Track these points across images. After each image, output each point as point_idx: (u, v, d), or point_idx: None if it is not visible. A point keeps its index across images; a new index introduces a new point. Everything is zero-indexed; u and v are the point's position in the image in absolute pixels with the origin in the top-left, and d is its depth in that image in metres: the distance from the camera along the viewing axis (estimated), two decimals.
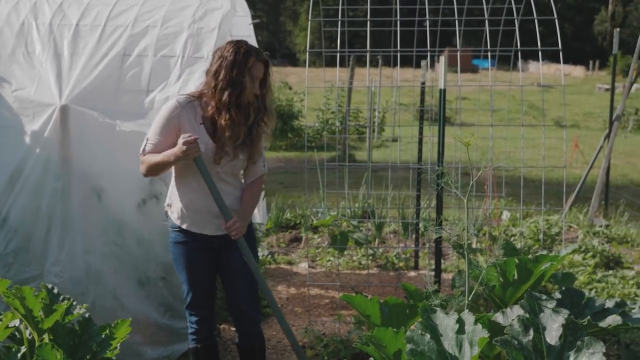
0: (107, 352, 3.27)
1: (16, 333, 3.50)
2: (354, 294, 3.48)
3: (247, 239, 3.71)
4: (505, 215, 8.35)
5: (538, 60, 5.41)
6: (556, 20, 5.07)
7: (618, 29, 9.05)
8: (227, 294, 3.83)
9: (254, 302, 3.84)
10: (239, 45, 3.54)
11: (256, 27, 6.91)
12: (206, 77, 3.61)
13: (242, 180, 3.83)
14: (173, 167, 3.65)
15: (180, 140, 3.40)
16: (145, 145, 3.59)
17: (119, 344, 3.34)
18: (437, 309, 2.88)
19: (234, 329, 4.02)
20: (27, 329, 3.38)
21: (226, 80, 3.48)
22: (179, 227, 3.69)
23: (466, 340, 2.74)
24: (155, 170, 3.61)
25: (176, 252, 3.73)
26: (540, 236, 6.75)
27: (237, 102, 3.51)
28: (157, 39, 4.68)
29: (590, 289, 6.00)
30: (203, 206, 3.62)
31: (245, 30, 6.27)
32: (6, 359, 3.10)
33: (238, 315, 3.83)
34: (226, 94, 3.48)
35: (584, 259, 6.80)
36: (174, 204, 3.71)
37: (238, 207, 3.70)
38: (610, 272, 6.52)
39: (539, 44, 4.97)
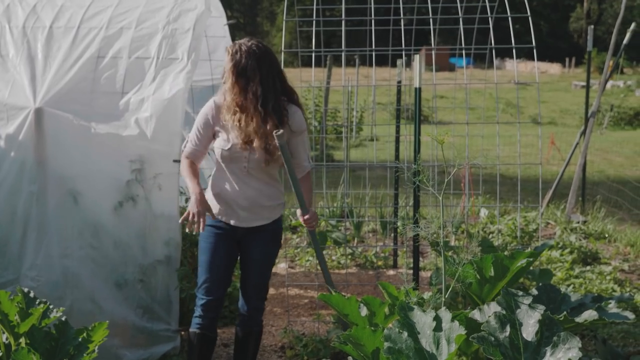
0: (85, 355, 3.25)
1: None
2: (332, 294, 3.48)
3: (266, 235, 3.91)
4: (483, 212, 8.40)
5: (514, 58, 5.43)
6: (529, 18, 5.11)
7: (592, 26, 9.14)
8: (241, 279, 4.01)
9: (262, 292, 4.02)
10: None
11: (233, 27, 6.91)
12: None
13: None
14: (215, 159, 3.85)
15: (194, 202, 3.64)
16: (186, 143, 3.86)
17: (96, 347, 3.32)
18: (415, 307, 2.90)
19: (224, 330, 4.04)
20: (3, 333, 3.36)
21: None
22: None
23: (443, 338, 2.75)
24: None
25: (203, 233, 3.86)
26: (518, 233, 6.80)
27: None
28: (132, 40, 4.66)
29: (568, 285, 6.05)
30: (232, 198, 3.80)
31: (220, 30, 6.26)
32: None
33: (245, 300, 3.99)
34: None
35: (561, 255, 6.85)
36: (208, 190, 3.89)
37: (261, 203, 3.83)
38: (588, 268, 6.58)
39: (512, 41, 5.01)
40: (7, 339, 3.34)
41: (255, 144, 3.67)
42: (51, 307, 3.48)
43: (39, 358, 3.00)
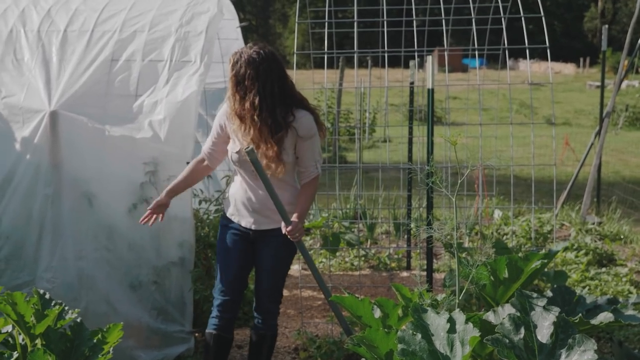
0: (100, 356, 3.27)
1: (9, 339, 3.50)
2: (345, 295, 3.48)
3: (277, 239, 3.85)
4: (497, 214, 8.37)
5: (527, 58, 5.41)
6: (543, 18, 5.09)
7: (607, 26, 9.08)
8: (255, 283, 4.03)
9: (275, 296, 4.02)
10: None
11: (246, 29, 6.92)
12: None
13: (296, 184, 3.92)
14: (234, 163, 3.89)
15: (158, 198, 3.98)
16: (205, 146, 3.96)
17: (111, 349, 3.34)
18: (428, 308, 2.89)
19: (239, 331, 4.05)
20: (20, 334, 3.38)
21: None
22: (225, 212, 3.99)
23: (457, 340, 2.74)
24: None
25: (219, 234, 3.99)
26: (532, 235, 6.77)
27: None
28: (145, 43, 4.68)
29: (583, 287, 6.02)
30: (243, 200, 3.84)
31: (232, 33, 6.27)
32: None
33: (257, 304, 4.00)
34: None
35: (576, 256, 6.82)
36: (228, 191, 4.03)
37: (270, 206, 3.75)
38: (603, 269, 6.55)
39: (526, 41, 4.99)
40: (23, 339, 3.37)
41: (257, 151, 3.66)
42: (66, 308, 3.50)
43: (55, 359, 3.02)
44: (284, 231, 3.69)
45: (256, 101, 3.61)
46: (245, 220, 3.86)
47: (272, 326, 4.03)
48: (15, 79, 4.64)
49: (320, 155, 3.88)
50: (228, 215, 3.92)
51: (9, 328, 3.47)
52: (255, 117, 3.61)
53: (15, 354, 3.32)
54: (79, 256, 4.44)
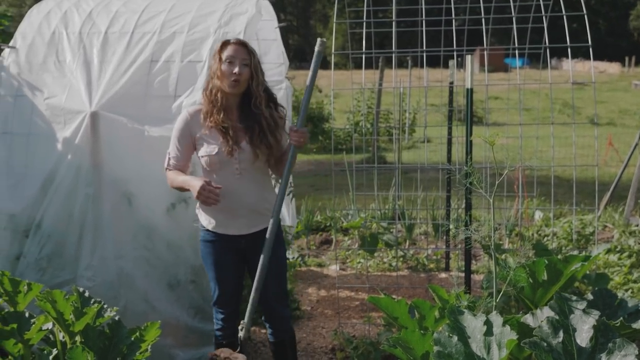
0: (138, 354, 3.30)
1: (50, 336, 3.56)
2: (381, 296, 3.46)
3: (276, 241, 3.76)
4: (538, 215, 8.25)
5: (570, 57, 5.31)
6: (586, 16, 5.00)
7: None
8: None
9: (283, 299, 3.95)
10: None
11: (286, 30, 6.94)
12: None
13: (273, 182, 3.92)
14: (202, 169, 3.77)
15: (199, 183, 3.49)
16: (169, 160, 3.76)
17: (149, 347, 3.37)
18: (465, 310, 2.86)
19: (264, 331, 4.05)
20: (59, 332, 3.43)
21: (207, 76, 3.77)
22: (204, 227, 3.82)
23: (494, 342, 2.71)
24: (178, 189, 3.77)
25: (205, 250, 3.85)
26: (573, 236, 6.66)
27: (213, 89, 3.68)
28: (184, 44, 4.72)
29: (626, 290, 5.90)
30: (226, 207, 3.69)
31: (271, 33, 6.29)
32: None
33: (268, 312, 3.92)
34: (209, 88, 3.71)
35: (619, 259, 6.69)
36: (199, 207, 3.84)
37: (259, 204, 3.76)
38: None
39: (568, 40, 4.91)
40: (63, 337, 3.42)
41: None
42: (105, 306, 3.54)
43: (93, 356, 3.05)
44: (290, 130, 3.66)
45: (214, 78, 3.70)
46: (235, 228, 3.76)
47: (288, 329, 3.98)
48: (57, 80, 4.72)
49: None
50: (211, 229, 3.79)
51: (49, 325, 3.52)
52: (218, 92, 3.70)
53: (55, 351, 3.38)
54: (119, 255, 4.49)
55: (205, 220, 3.81)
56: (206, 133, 3.69)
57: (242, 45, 3.68)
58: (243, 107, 3.72)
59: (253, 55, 3.69)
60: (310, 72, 3.58)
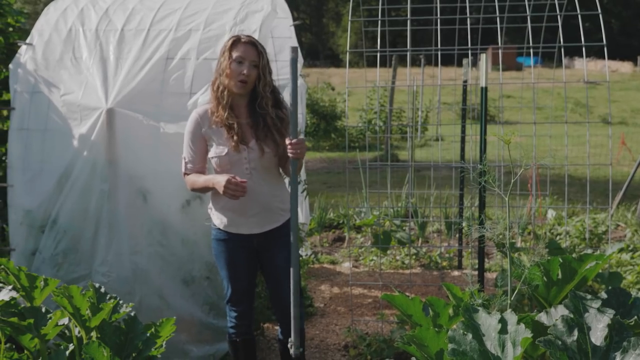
0: (153, 350, 3.32)
1: (66, 331, 3.59)
2: (395, 293, 3.48)
3: (285, 240, 3.76)
4: (551, 214, 8.24)
5: (584, 56, 5.30)
6: (600, 16, 4.99)
7: None
8: (272, 291, 3.92)
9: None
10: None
11: (300, 28, 6.94)
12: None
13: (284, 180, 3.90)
14: (213, 170, 3.78)
15: (224, 179, 3.49)
16: (186, 165, 3.79)
17: (164, 342, 3.40)
18: (479, 308, 2.86)
19: (277, 327, 4.06)
20: (75, 327, 3.46)
21: (216, 71, 3.74)
22: (217, 227, 3.84)
23: (509, 340, 2.71)
24: (200, 191, 3.81)
25: (217, 249, 3.85)
26: (587, 235, 6.65)
27: (220, 86, 3.68)
28: (200, 42, 4.74)
29: (639, 289, 5.89)
30: (237, 207, 3.71)
31: (286, 31, 6.30)
32: (55, 356, 3.18)
33: (282, 312, 3.89)
34: (216, 83, 3.71)
35: (632, 258, 6.67)
36: (213, 204, 3.84)
37: (270, 204, 3.76)
38: None
39: (582, 39, 4.90)
40: (79, 332, 3.45)
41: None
42: (121, 302, 3.57)
43: (109, 352, 3.08)
44: (287, 142, 3.55)
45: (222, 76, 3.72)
46: (247, 227, 3.77)
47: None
48: (73, 76, 4.75)
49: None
50: (223, 228, 3.80)
51: (65, 321, 3.56)
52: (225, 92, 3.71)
53: (71, 346, 3.41)
54: (134, 251, 4.52)
55: (217, 220, 3.82)
56: (213, 128, 3.71)
57: (253, 45, 3.68)
58: (251, 105, 3.73)
59: (262, 56, 3.69)
60: (291, 82, 3.49)
